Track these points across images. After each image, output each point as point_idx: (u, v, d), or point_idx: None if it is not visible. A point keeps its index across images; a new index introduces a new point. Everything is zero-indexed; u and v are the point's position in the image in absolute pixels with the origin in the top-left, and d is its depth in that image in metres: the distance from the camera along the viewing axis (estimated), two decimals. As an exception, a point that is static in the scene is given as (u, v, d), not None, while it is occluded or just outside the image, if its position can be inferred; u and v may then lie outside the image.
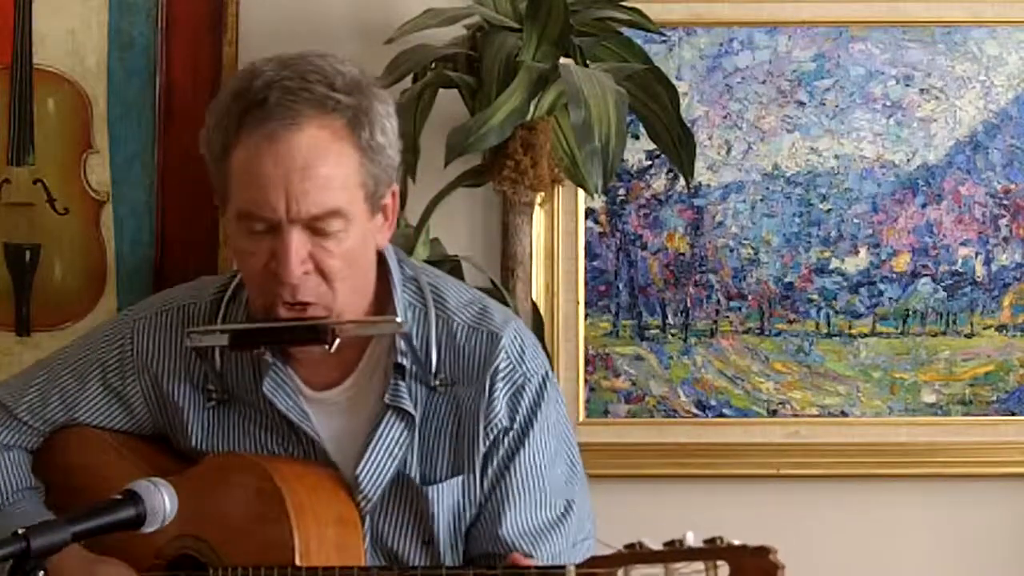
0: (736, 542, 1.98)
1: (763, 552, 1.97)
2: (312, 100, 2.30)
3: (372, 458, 2.40)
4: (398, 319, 2.39)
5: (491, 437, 2.42)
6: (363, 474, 2.40)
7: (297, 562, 2.28)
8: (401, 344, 2.41)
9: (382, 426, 2.41)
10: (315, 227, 2.31)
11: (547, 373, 2.49)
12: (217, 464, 2.42)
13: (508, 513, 2.42)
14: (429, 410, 2.43)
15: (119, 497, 2.10)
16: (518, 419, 2.43)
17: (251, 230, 2.32)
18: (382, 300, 2.44)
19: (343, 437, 2.44)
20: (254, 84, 2.32)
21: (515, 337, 2.46)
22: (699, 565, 1.98)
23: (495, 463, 2.43)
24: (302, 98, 2.30)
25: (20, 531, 1.98)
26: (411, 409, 2.40)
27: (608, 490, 2.58)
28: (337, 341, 2.35)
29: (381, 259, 2.45)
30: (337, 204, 2.31)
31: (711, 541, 1.99)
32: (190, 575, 2.37)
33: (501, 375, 2.43)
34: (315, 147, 2.30)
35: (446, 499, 2.42)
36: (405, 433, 2.41)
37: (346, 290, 2.36)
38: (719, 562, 1.97)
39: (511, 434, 2.43)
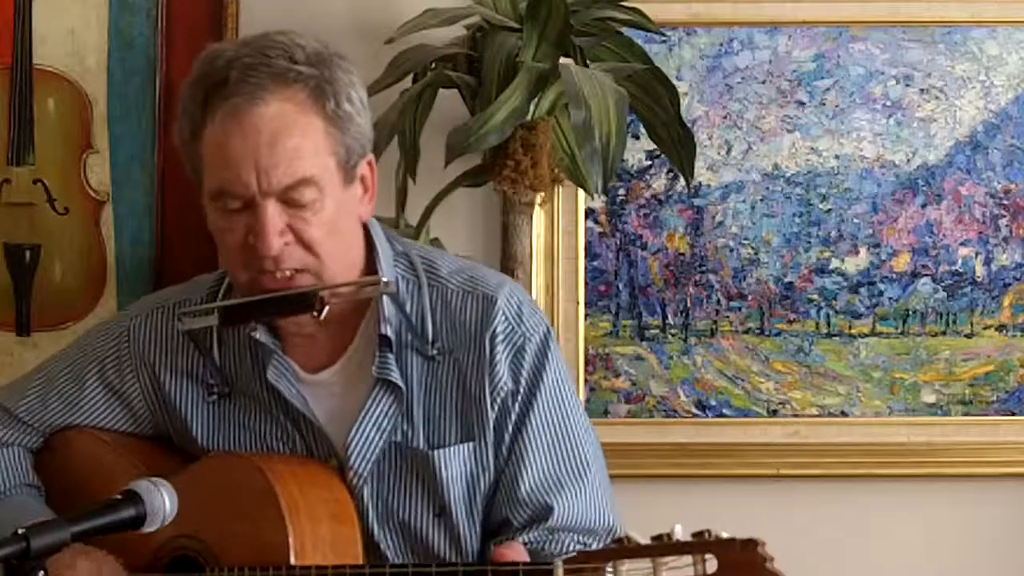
0: (724, 535, 1.97)
1: (751, 545, 1.95)
2: (273, 73, 2.32)
3: (359, 432, 2.41)
4: (384, 279, 2.38)
5: (498, 402, 2.42)
6: (351, 448, 2.41)
7: (292, 562, 2.28)
8: (387, 314, 2.41)
9: (370, 400, 2.41)
10: (289, 198, 2.32)
11: (547, 331, 2.48)
12: (213, 464, 2.43)
13: (526, 474, 2.41)
14: (430, 378, 2.43)
15: (119, 497, 2.10)
16: (523, 380, 2.43)
17: (226, 208, 2.34)
18: (371, 272, 2.44)
19: (338, 417, 2.44)
20: (215, 65, 2.34)
21: (510, 297, 2.46)
22: (687, 559, 1.97)
23: (509, 428, 2.42)
24: (263, 72, 2.32)
25: (20, 531, 1.98)
26: (398, 380, 2.40)
27: (608, 490, 2.58)
28: (327, 308, 2.34)
29: (367, 234, 2.45)
30: (307, 173, 2.32)
31: (699, 534, 1.98)
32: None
33: (500, 337, 2.43)
34: (280, 119, 2.31)
35: (455, 465, 2.41)
36: (394, 405, 2.41)
37: (332, 258, 2.36)
38: (707, 555, 1.96)
39: (519, 396, 2.43)
